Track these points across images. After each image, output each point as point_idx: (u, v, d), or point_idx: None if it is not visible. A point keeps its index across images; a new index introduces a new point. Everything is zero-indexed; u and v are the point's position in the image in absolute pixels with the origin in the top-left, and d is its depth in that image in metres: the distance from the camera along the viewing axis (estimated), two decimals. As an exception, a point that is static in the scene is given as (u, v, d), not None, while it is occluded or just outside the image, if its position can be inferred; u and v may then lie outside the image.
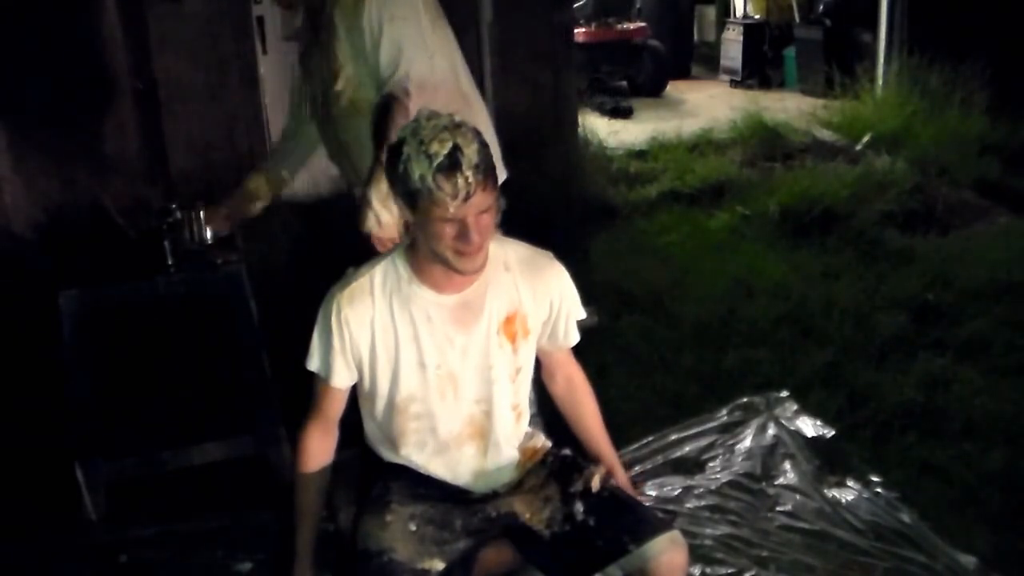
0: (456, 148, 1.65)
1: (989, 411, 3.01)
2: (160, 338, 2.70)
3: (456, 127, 1.69)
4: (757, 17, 9.34)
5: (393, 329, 1.82)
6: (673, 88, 8.89)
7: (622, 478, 2.03)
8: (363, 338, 1.82)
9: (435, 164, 1.64)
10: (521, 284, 1.89)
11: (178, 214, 2.72)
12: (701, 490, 2.63)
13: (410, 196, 1.70)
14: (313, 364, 1.86)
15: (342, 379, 1.85)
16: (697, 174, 5.52)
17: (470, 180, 1.65)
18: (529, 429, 2.02)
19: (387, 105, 2.31)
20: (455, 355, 1.85)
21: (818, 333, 3.58)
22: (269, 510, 2.49)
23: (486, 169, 1.68)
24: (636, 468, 2.71)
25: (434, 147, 1.65)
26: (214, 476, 2.68)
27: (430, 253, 1.76)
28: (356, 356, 1.84)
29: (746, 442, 2.81)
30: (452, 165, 1.64)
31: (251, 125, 5.01)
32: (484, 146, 1.71)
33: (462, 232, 1.69)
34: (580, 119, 5.83)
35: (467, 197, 1.66)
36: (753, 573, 2.33)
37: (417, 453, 1.91)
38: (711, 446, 2.81)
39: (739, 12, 9.82)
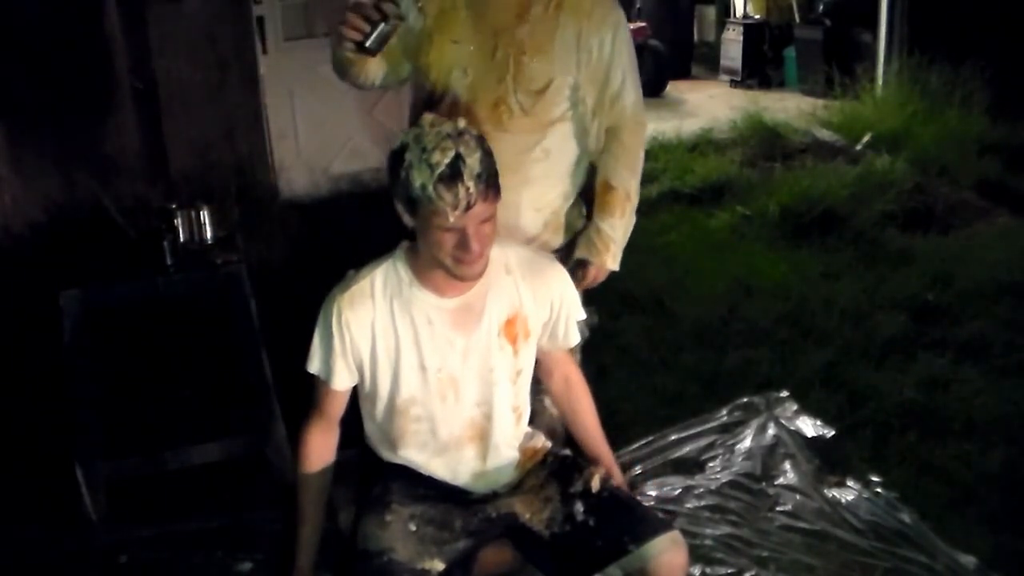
0: (458, 157, 1.65)
1: (989, 411, 3.00)
2: (160, 338, 2.70)
3: (459, 135, 1.69)
4: (757, 17, 9.33)
5: (394, 332, 1.82)
6: (673, 88, 8.87)
7: (618, 478, 2.03)
8: (364, 341, 1.82)
9: (436, 173, 1.64)
10: (522, 286, 1.89)
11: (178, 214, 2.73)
12: (701, 490, 2.63)
13: (410, 203, 1.70)
14: (314, 366, 1.86)
15: (343, 381, 1.85)
16: (697, 174, 5.51)
17: (471, 190, 1.65)
18: (529, 429, 2.02)
19: (616, 131, 2.22)
20: (456, 358, 1.85)
21: (818, 333, 3.58)
22: (269, 510, 2.49)
23: (488, 179, 1.68)
24: (636, 468, 2.71)
25: (436, 156, 1.65)
26: (214, 476, 2.68)
27: (430, 258, 1.76)
28: (357, 359, 1.84)
29: (746, 442, 2.80)
30: (453, 175, 1.64)
31: (251, 125, 5.02)
32: (487, 154, 1.71)
33: (462, 241, 1.69)
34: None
35: (468, 207, 1.65)
36: (753, 573, 2.32)
37: (417, 454, 1.91)
38: (711, 446, 2.81)
39: (739, 12, 9.80)
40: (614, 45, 2.16)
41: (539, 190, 2.18)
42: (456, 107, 2.09)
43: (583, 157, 2.27)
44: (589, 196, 2.31)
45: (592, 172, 2.31)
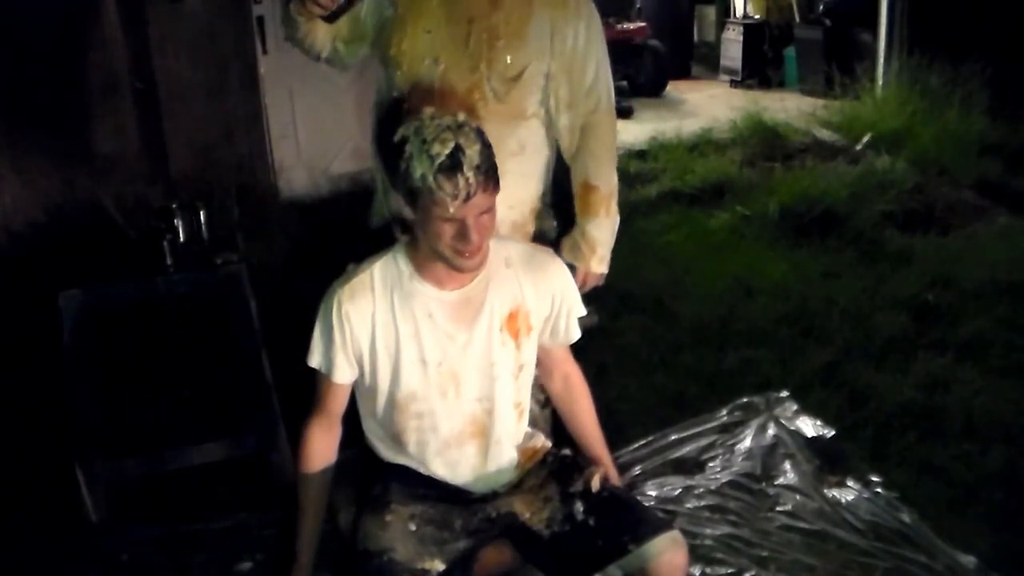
0: (458, 148, 1.66)
1: (989, 411, 3.00)
2: (160, 338, 2.70)
3: (459, 127, 1.71)
4: (757, 17, 9.32)
5: (394, 325, 1.82)
6: (673, 88, 8.86)
7: (616, 480, 2.03)
8: (364, 334, 1.82)
9: (437, 164, 1.66)
10: (523, 280, 1.89)
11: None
12: (701, 490, 2.62)
13: (411, 194, 1.71)
14: (314, 360, 1.86)
15: (344, 375, 1.86)
16: (697, 174, 5.51)
17: (471, 181, 1.66)
18: (529, 429, 2.03)
19: (592, 127, 2.20)
20: (456, 352, 1.85)
21: (818, 333, 3.58)
22: (269, 510, 2.49)
23: (488, 170, 1.69)
24: (636, 468, 2.71)
25: (436, 147, 1.66)
26: (214, 476, 2.68)
27: (430, 250, 1.76)
28: (357, 351, 1.84)
29: (746, 442, 2.80)
30: (453, 165, 1.65)
31: (251, 125, 5.02)
32: (487, 147, 1.72)
33: (462, 232, 1.70)
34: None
35: (468, 198, 1.67)
36: (753, 573, 2.32)
37: (417, 451, 1.91)
38: (711, 446, 2.80)
39: (739, 12, 9.80)
40: (588, 36, 2.15)
41: (513, 186, 2.13)
42: (429, 97, 2.04)
43: (551, 159, 2.26)
44: (555, 202, 2.30)
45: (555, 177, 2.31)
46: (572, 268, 2.21)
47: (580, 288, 2.21)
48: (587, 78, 2.17)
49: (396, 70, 2.09)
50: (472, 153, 1.67)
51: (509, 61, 2.07)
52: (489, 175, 1.70)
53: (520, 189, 2.18)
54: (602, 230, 2.24)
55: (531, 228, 2.25)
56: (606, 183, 2.23)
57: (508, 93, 2.09)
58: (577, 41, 2.13)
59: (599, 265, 2.26)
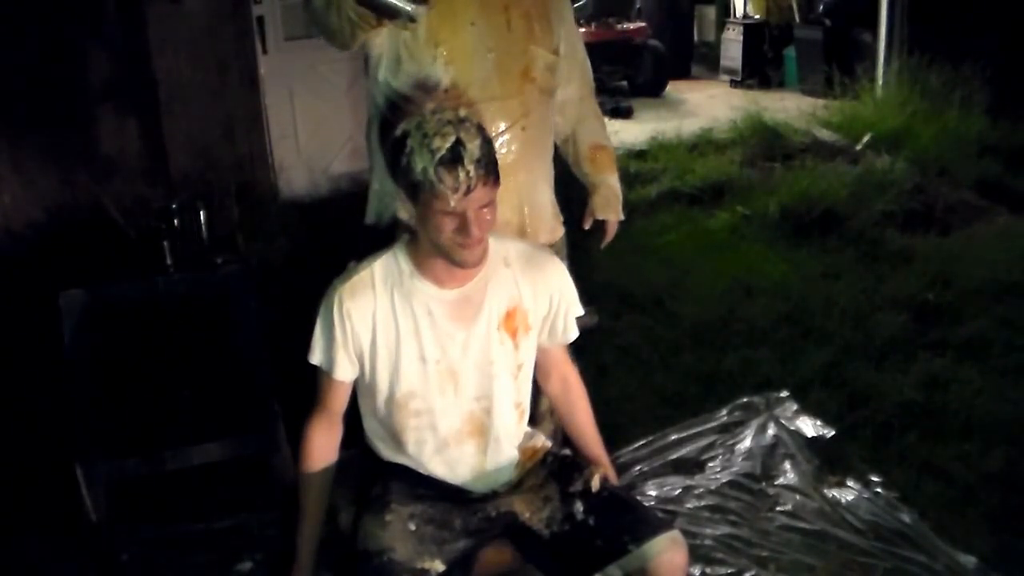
0: (459, 142, 1.67)
1: (989, 411, 3.01)
2: (160, 338, 2.70)
3: (460, 122, 1.71)
4: (757, 17, 9.34)
5: (394, 323, 1.83)
6: (673, 88, 8.88)
7: (614, 482, 2.03)
8: (364, 331, 1.82)
9: (437, 157, 1.66)
10: (521, 279, 1.89)
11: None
12: (701, 490, 2.63)
13: (412, 188, 1.72)
14: (315, 358, 1.86)
15: (345, 372, 1.85)
16: (697, 174, 5.52)
17: (471, 174, 1.66)
18: (529, 429, 2.03)
19: (586, 99, 2.40)
20: (456, 350, 1.85)
21: (818, 333, 3.58)
22: (269, 510, 2.50)
23: (488, 164, 1.70)
24: (636, 468, 2.71)
25: (437, 141, 1.67)
26: (214, 476, 2.68)
27: (431, 246, 1.77)
28: (357, 349, 1.84)
29: (746, 442, 2.81)
30: (454, 159, 1.66)
31: (251, 125, 5.02)
32: (487, 142, 1.73)
33: (462, 226, 1.70)
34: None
35: (468, 191, 1.67)
36: (753, 573, 2.33)
37: (416, 450, 1.91)
38: (711, 446, 2.81)
39: (739, 12, 9.81)
40: (572, 18, 2.34)
41: (549, 163, 2.31)
42: (487, 87, 2.10)
43: None
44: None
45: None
46: (603, 222, 2.46)
47: (611, 237, 2.49)
48: (579, 51, 2.35)
49: (446, 67, 2.09)
50: (472, 147, 1.68)
51: (547, 39, 2.21)
52: (489, 169, 1.70)
53: (551, 166, 2.32)
54: (618, 183, 2.47)
55: (559, 214, 2.36)
56: (610, 143, 2.47)
57: (555, 65, 2.23)
58: (571, 20, 2.32)
59: (623, 213, 2.47)
